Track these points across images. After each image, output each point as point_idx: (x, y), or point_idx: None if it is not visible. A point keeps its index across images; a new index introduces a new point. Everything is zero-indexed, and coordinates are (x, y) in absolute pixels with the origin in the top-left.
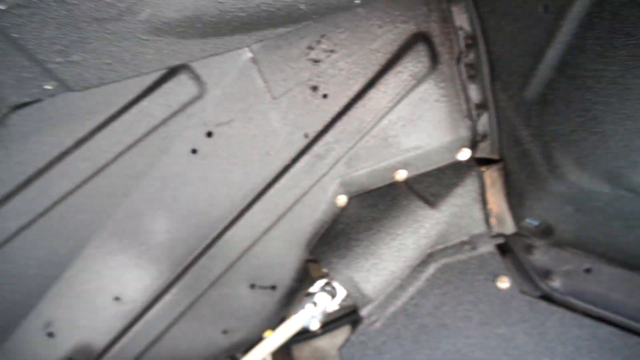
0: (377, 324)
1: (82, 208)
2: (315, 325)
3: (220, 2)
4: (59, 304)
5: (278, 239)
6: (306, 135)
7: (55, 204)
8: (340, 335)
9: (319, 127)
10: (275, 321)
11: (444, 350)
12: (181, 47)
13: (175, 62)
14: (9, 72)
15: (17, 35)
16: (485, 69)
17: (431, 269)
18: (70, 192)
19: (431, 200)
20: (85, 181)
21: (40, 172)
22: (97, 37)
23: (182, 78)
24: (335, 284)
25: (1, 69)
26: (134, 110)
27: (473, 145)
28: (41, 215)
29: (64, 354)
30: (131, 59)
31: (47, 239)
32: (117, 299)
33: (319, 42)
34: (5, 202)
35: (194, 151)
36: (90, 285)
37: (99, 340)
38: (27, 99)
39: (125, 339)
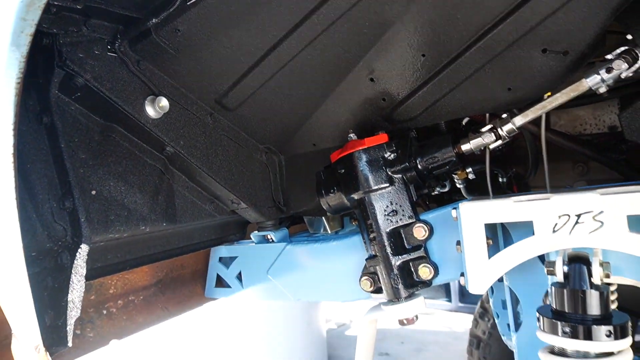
0: None
1: None
2: (602, 90)
3: None
4: (379, 58)
5: (584, 4)
6: None
7: None
8: (602, 107)
9: None
10: (558, 84)
11: None
12: None
13: None
14: None
15: None
16: None
17: None
18: None
19: None
20: None
21: None
22: None
23: None
24: (638, 50)
25: None
26: None
27: None
28: None
29: (379, 95)
30: None
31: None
32: (423, 55)
33: None
34: None
35: None
36: (405, 43)
37: (406, 87)
38: None
39: (426, 88)
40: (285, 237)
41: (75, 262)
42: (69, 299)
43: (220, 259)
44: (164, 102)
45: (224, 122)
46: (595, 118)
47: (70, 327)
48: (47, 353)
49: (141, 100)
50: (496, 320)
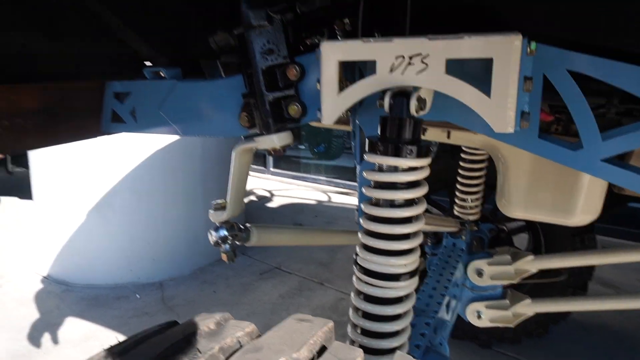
0: None
1: None
2: None
3: None
4: None
5: None
6: None
7: None
8: None
9: None
10: None
11: None
12: None
13: None
14: None
15: None
16: None
17: None
18: None
19: None
20: None
21: None
22: None
23: None
24: None
25: None
26: None
27: None
28: None
29: None
30: None
31: None
32: None
33: None
34: None
35: None
36: None
37: None
38: None
39: None
40: (177, 75)
41: None
42: None
43: (115, 95)
44: None
45: None
46: None
47: None
48: None
49: None
50: (355, 162)
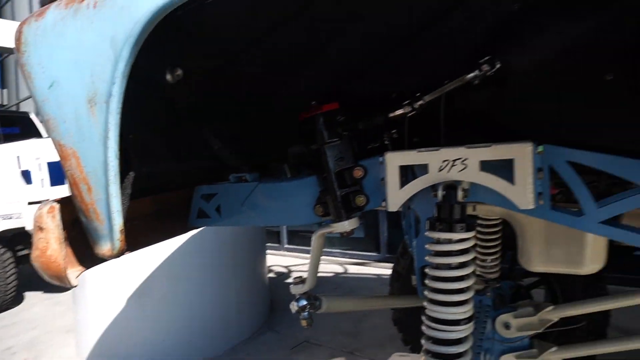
0: None
1: None
2: (476, 82)
3: None
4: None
5: None
6: None
7: None
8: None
9: None
10: None
11: None
12: None
13: None
14: None
15: None
16: None
17: None
18: None
19: None
20: None
21: None
22: None
23: None
24: (496, 62)
25: None
26: None
27: None
28: None
29: (331, 76)
30: None
31: None
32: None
33: None
34: None
35: None
36: None
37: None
38: None
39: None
40: (257, 178)
41: (123, 184)
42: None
43: (202, 196)
44: (179, 71)
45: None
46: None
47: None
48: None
49: (163, 70)
50: (405, 237)
